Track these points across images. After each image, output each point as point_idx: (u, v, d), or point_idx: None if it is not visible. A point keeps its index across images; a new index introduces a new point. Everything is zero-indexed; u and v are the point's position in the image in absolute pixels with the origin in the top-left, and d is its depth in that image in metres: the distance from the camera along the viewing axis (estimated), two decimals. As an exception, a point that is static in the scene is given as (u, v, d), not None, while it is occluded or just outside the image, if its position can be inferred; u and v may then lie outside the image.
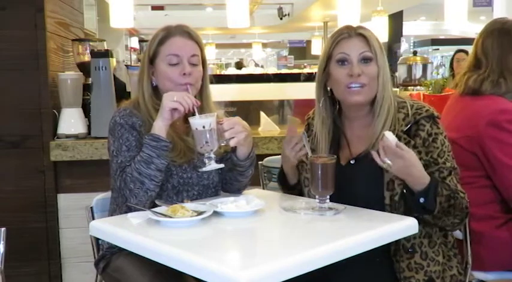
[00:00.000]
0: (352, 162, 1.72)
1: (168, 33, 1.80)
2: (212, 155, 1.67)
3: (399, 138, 1.62)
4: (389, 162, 1.51)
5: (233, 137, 1.68)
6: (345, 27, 1.73)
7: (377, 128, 1.67)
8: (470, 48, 2.17)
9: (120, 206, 1.77)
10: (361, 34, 1.68)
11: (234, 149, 1.78)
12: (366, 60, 1.67)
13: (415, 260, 1.62)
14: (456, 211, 1.61)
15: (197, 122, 1.65)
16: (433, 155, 1.64)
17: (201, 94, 1.87)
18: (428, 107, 1.68)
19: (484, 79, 1.95)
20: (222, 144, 1.70)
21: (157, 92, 1.83)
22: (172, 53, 1.78)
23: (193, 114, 1.68)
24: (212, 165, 1.67)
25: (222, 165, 1.70)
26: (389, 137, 1.52)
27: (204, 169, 1.69)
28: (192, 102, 1.68)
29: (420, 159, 1.60)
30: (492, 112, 1.89)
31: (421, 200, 1.54)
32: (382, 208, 1.62)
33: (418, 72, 4.93)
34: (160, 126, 1.68)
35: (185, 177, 1.80)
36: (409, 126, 1.65)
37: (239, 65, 10.66)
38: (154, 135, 1.66)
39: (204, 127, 1.64)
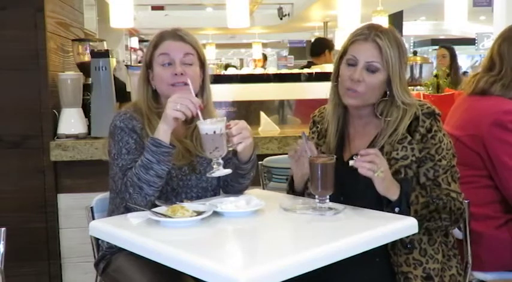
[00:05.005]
0: (355, 157, 1.72)
1: (161, 37, 1.83)
2: (221, 161, 1.64)
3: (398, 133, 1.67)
4: (380, 169, 1.53)
5: (240, 142, 1.67)
6: (367, 25, 1.72)
7: (387, 131, 1.69)
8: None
9: (118, 207, 1.77)
10: (376, 42, 1.66)
11: (235, 153, 1.77)
12: (371, 70, 1.66)
13: (413, 256, 1.63)
14: (443, 214, 1.62)
15: (208, 127, 1.61)
16: (430, 151, 1.66)
17: (202, 95, 1.87)
18: (430, 104, 1.71)
19: (495, 81, 1.97)
20: (230, 148, 1.68)
21: (157, 95, 1.85)
22: (163, 52, 1.80)
23: (193, 117, 1.67)
24: (221, 171, 1.63)
25: (230, 171, 1.67)
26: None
27: (213, 175, 1.65)
28: (195, 106, 1.65)
29: (413, 156, 1.64)
30: (497, 112, 1.91)
31: (396, 209, 1.58)
32: (380, 204, 1.62)
33: (418, 72, 4.93)
34: (165, 130, 1.65)
35: (184, 179, 1.80)
36: (409, 122, 1.67)
37: (226, 67, 10.77)
38: (156, 140, 1.64)
39: (214, 132, 1.61)
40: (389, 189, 1.58)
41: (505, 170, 1.89)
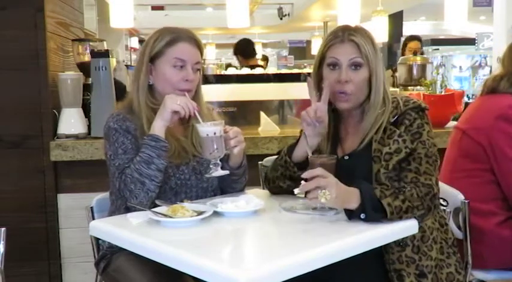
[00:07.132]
0: (346, 158, 1.74)
1: (177, 36, 1.80)
2: (219, 162, 1.70)
3: (385, 129, 1.67)
4: (324, 192, 1.47)
5: (236, 146, 1.73)
6: (340, 28, 1.74)
7: (366, 127, 1.70)
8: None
9: (119, 208, 1.77)
10: (352, 40, 1.69)
11: (226, 159, 1.81)
12: (355, 66, 1.69)
13: (406, 254, 1.63)
14: (414, 202, 1.55)
15: (208, 129, 1.67)
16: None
17: (194, 95, 1.87)
18: (416, 99, 1.72)
19: (502, 78, 2.04)
20: (226, 152, 1.74)
21: (152, 91, 1.84)
22: (180, 57, 1.78)
23: (185, 119, 1.70)
24: (219, 172, 1.70)
25: (227, 172, 1.72)
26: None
27: (212, 175, 1.71)
28: (193, 108, 1.71)
29: (406, 147, 1.64)
30: (503, 106, 1.97)
31: (362, 216, 1.51)
32: None
33: (418, 72, 4.91)
34: (160, 127, 1.70)
35: (183, 178, 1.80)
36: (395, 117, 1.68)
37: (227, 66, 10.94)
38: (154, 135, 1.68)
39: (215, 133, 1.67)
40: (348, 201, 1.52)
41: (506, 160, 1.93)
